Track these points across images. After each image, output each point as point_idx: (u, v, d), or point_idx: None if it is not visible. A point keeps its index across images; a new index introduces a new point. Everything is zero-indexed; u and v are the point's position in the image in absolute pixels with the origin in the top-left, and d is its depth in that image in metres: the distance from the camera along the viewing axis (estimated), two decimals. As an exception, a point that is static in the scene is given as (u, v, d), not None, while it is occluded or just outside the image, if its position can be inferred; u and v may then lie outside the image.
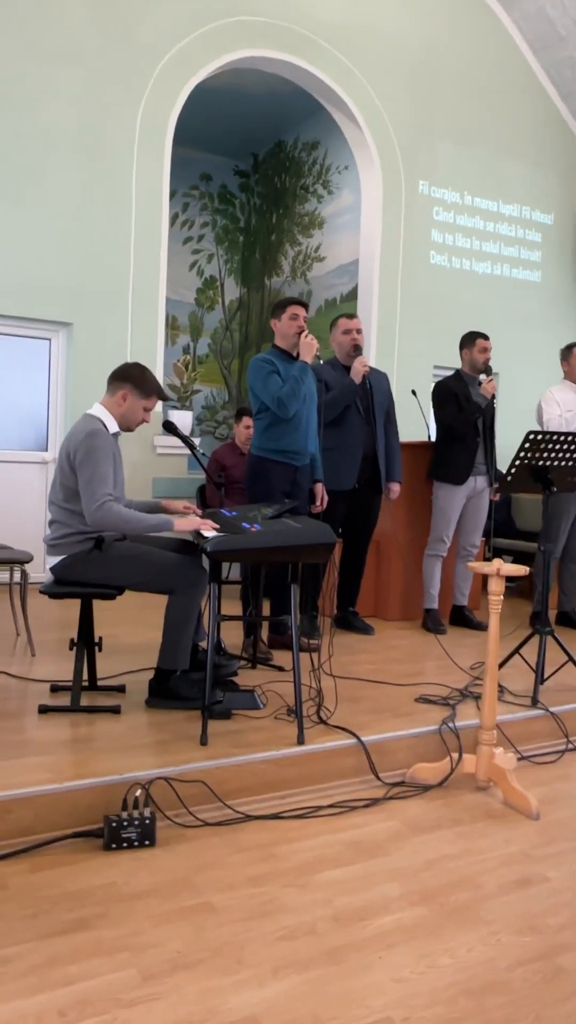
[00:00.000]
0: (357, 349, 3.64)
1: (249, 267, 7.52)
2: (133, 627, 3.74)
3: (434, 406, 3.95)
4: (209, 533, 2.36)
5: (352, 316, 3.74)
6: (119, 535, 2.58)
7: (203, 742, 2.26)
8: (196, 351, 7.40)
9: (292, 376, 3.16)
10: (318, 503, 3.44)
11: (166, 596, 2.56)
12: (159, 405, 5.09)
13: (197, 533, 2.46)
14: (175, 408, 5.55)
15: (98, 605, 4.02)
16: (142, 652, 3.24)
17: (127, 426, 2.57)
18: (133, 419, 2.56)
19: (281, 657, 3.26)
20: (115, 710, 2.49)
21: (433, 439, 4.75)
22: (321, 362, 3.40)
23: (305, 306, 3.28)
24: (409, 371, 5.99)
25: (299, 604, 3.66)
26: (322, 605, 3.95)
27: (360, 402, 3.66)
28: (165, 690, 2.55)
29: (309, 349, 3.17)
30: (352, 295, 6.11)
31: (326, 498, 3.46)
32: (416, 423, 5.43)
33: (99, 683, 2.77)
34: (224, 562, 2.39)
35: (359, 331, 3.69)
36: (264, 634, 3.51)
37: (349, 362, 3.67)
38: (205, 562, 2.68)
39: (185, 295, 7.35)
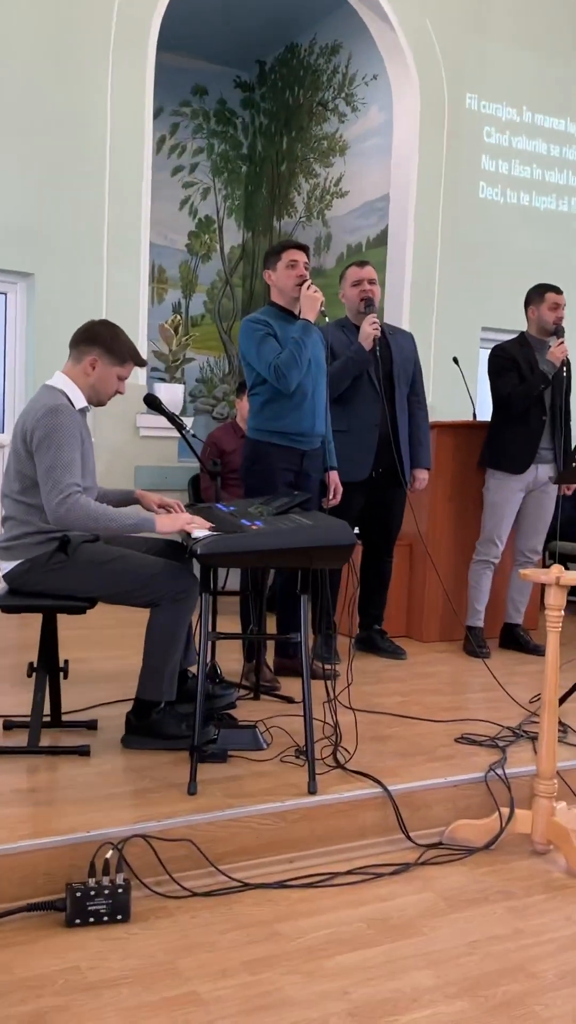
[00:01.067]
0: (368, 305, 3.62)
1: (254, 205, 7.49)
2: (107, 649, 3.74)
3: (490, 376, 3.90)
4: (200, 532, 2.35)
5: (363, 264, 3.71)
6: (89, 535, 2.58)
7: (191, 791, 2.26)
8: (189, 310, 7.39)
9: (292, 339, 3.15)
10: (331, 496, 3.43)
11: (147, 610, 2.55)
12: (141, 376, 5.08)
13: (186, 533, 2.44)
14: (162, 380, 5.53)
15: (64, 621, 4.00)
16: (118, 679, 3.24)
17: (97, 399, 2.57)
18: (104, 391, 2.56)
19: (290, 686, 3.26)
20: (83, 751, 2.49)
21: (479, 418, 4.70)
22: (327, 321, 3.39)
23: (305, 249, 3.27)
24: (451, 334, 5.95)
25: (312, 620, 3.68)
26: (340, 622, 3.93)
27: (374, 372, 3.63)
28: (145, 727, 2.54)
29: (312, 304, 3.15)
30: (381, 239, 6.08)
31: (340, 489, 3.46)
32: (459, 399, 5.39)
33: (64, 718, 2.77)
34: (219, 567, 2.38)
35: (372, 282, 3.66)
36: (269, 657, 3.49)
37: (360, 322, 3.66)
38: (196, 568, 2.67)
39: (175, 240, 7.34)
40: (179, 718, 2.54)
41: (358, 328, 3.65)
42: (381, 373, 3.62)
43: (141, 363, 2.62)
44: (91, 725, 2.72)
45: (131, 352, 2.57)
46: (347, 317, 3.74)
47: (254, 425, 3.29)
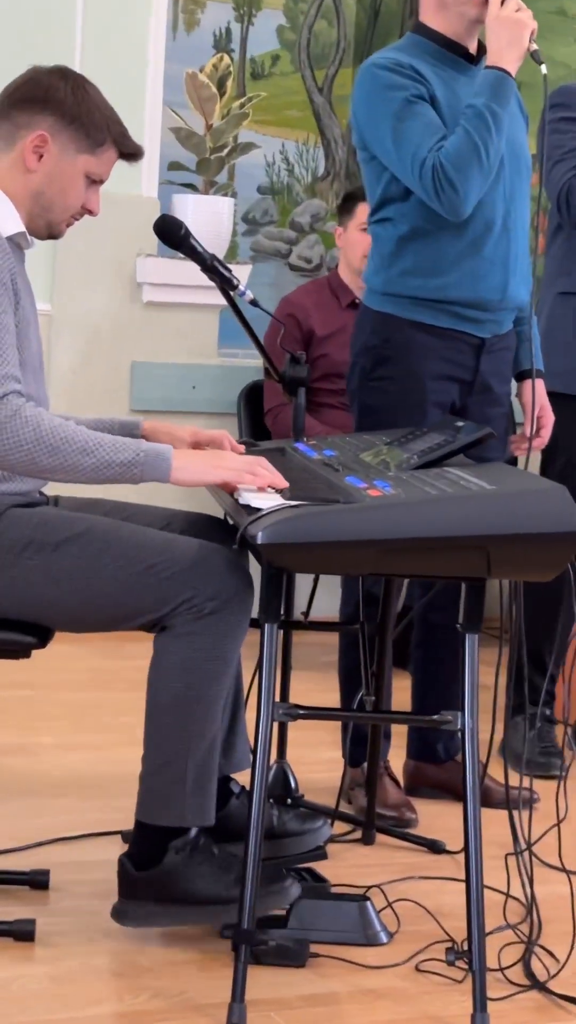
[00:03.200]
0: None
1: None
2: (71, 727, 3.82)
3: None
4: (262, 500, 2.36)
5: None
6: (35, 489, 2.64)
7: (234, 1021, 2.28)
8: (247, 46, 7.38)
9: (470, 107, 3.16)
10: (529, 430, 3.43)
11: (142, 650, 2.59)
12: (144, 181, 5.11)
13: (230, 496, 2.47)
14: (190, 189, 5.52)
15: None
16: (94, 788, 3.31)
17: (46, 221, 2.63)
18: (60, 202, 2.62)
19: (436, 820, 3.28)
20: (23, 933, 2.54)
21: None
22: (543, 69, 3.29)
23: None
24: None
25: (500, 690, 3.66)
26: (562, 696, 3.91)
27: None
28: (156, 882, 2.56)
29: (514, 34, 3.15)
30: None
31: (551, 419, 3.47)
32: None
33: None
34: (297, 572, 2.37)
35: None
36: (396, 761, 3.52)
37: None
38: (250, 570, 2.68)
39: None
40: (222, 863, 2.57)
41: None
42: None
43: (131, 151, 2.66)
44: (38, 880, 2.77)
45: (112, 126, 2.61)
46: None
47: (381, 286, 3.32)
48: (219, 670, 2.52)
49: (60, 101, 2.56)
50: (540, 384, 3.46)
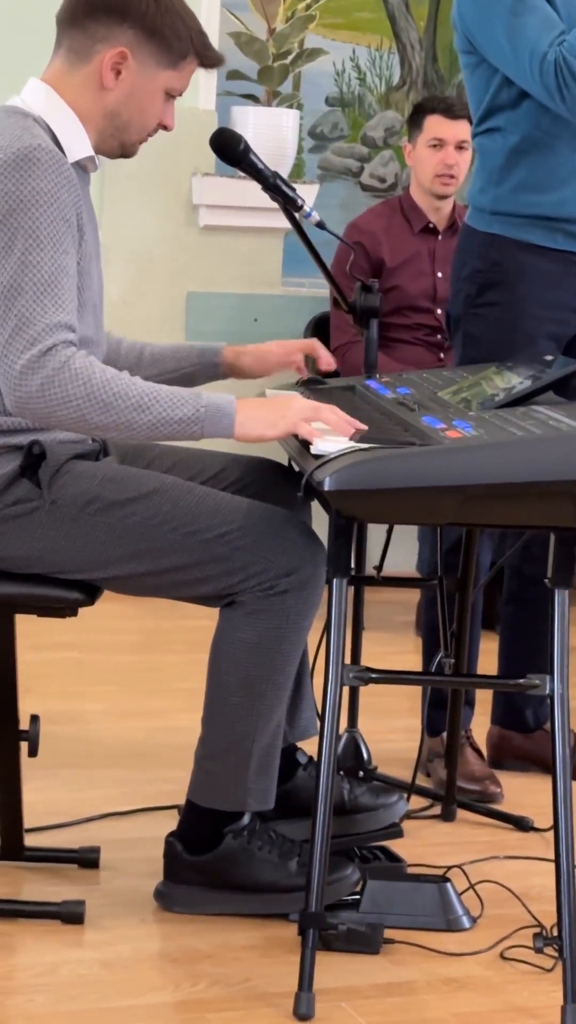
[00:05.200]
0: None
1: None
2: (121, 693, 3.84)
3: None
4: (328, 442, 2.35)
5: None
6: (88, 441, 2.64)
7: (302, 1013, 2.29)
8: None
9: None
10: None
11: (209, 611, 2.59)
12: (202, 92, 5.09)
13: (297, 441, 2.47)
14: (251, 100, 5.49)
15: (30, 633, 4.05)
16: (145, 759, 3.33)
17: (120, 142, 2.63)
18: (138, 121, 2.61)
19: (523, 795, 3.30)
20: (71, 915, 2.56)
21: None
22: None
23: None
24: None
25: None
26: None
27: None
28: (209, 866, 2.59)
29: None
30: None
31: None
32: None
33: (29, 843, 2.84)
34: (367, 522, 2.38)
35: None
36: (479, 732, 3.54)
37: None
38: (315, 524, 2.68)
39: None
40: (281, 848, 2.59)
41: None
42: None
43: (213, 62, 2.64)
44: (87, 859, 2.80)
45: (195, 37, 2.58)
46: None
47: (489, 204, 3.33)
48: (292, 650, 2.54)
49: (142, 13, 2.53)
50: None
